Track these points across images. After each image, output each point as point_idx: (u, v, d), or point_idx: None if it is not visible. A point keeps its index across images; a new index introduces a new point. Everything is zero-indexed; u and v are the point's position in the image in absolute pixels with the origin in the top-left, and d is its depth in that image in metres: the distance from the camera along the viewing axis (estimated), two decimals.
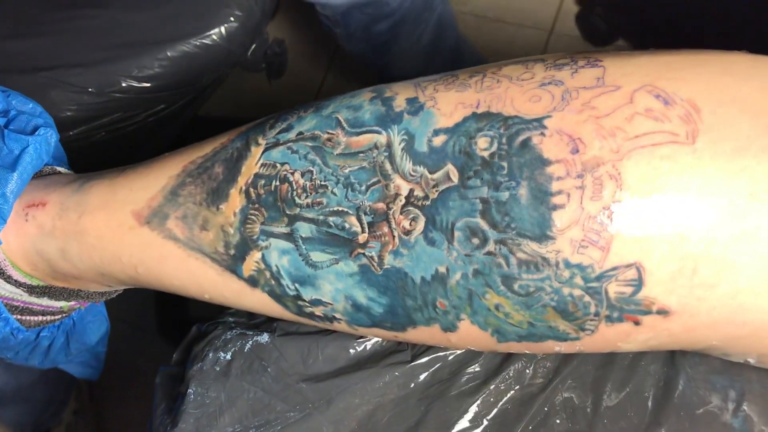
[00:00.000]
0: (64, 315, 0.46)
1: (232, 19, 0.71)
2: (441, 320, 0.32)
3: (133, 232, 0.37)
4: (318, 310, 0.35)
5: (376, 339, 0.38)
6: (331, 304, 0.34)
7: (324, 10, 0.74)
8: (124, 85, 0.70)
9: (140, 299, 1.02)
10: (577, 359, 0.36)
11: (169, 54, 0.71)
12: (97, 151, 0.73)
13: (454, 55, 0.84)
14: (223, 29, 0.72)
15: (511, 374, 0.36)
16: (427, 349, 0.37)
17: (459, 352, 0.37)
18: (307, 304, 0.35)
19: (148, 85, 0.71)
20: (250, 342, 0.38)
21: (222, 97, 0.87)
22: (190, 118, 0.81)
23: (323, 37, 0.91)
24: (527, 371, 0.36)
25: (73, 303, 0.44)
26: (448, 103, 0.32)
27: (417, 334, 0.33)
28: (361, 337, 0.38)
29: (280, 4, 0.79)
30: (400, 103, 0.33)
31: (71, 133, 0.72)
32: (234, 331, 0.39)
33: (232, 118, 0.95)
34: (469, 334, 0.32)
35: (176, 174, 0.37)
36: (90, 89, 0.70)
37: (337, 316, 0.34)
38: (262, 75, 0.79)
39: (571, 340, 0.31)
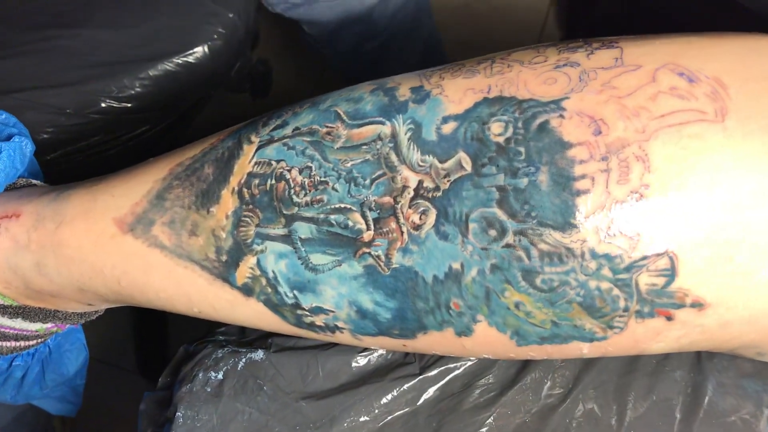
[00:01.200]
0: (39, 340, 0.43)
1: (215, 36, 0.69)
2: (455, 323, 0.29)
3: (116, 241, 0.34)
4: (319, 320, 0.32)
5: (381, 351, 0.35)
6: (333, 311, 0.31)
7: (311, 30, 0.73)
8: (103, 105, 0.68)
9: (117, 336, 0.97)
10: (597, 367, 0.34)
11: (150, 73, 0.68)
12: (76, 175, 0.70)
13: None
14: (206, 48, 0.70)
15: (527, 384, 0.33)
16: (437, 360, 0.34)
17: (471, 362, 0.34)
18: (307, 313, 0.32)
19: (129, 105, 0.69)
20: (244, 359, 0.35)
21: (205, 120, 0.84)
22: (173, 142, 0.78)
23: (309, 56, 0.89)
24: (545, 381, 0.34)
25: (49, 325, 0.41)
26: (457, 89, 0.30)
27: (428, 341, 0.31)
28: (365, 349, 0.35)
29: (265, 24, 0.77)
30: (404, 93, 0.31)
31: (48, 157, 0.69)
32: (225, 348, 0.36)
33: None
34: (485, 338, 0.29)
35: (162, 177, 0.34)
36: (67, 110, 0.67)
37: (340, 325, 0.32)
38: (247, 96, 0.77)
39: (598, 340, 0.28)
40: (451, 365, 0.34)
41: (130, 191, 0.35)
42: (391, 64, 0.78)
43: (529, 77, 0.29)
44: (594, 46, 0.29)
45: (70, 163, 0.71)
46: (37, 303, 0.39)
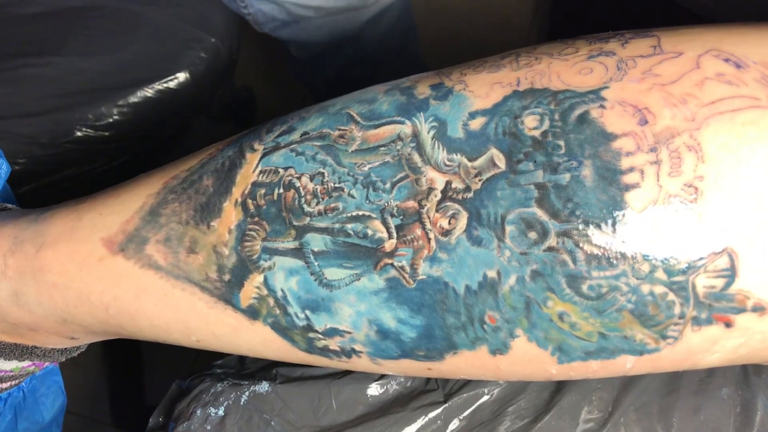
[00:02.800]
0: (13, 383, 0.39)
1: (197, 62, 0.67)
2: (490, 340, 0.26)
3: (105, 263, 0.31)
4: (333, 343, 0.29)
5: (400, 378, 0.32)
6: (350, 332, 0.28)
7: (299, 53, 0.71)
8: (79, 134, 0.64)
9: (92, 387, 0.91)
10: (637, 387, 0.31)
11: (129, 100, 0.65)
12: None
13: None
14: (187, 73, 0.67)
15: (563, 409, 0.30)
16: (463, 385, 0.31)
17: (500, 387, 0.31)
18: (320, 336, 0.29)
19: (107, 134, 0.65)
20: (247, 393, 0.32)
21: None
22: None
23: (293, 83, 0.87)
24: (582, 404, 0.31)
25: (26, 364, 0.37)
26: (482, 84, 0.27)
27: (457, 363, 0.28)
28: (382, 376, 0.32)
29: (247, 50, 0.75)
30: (423, 91, 0.28)
31: (21, 190, 0.65)
32: (225, 382, 0.33)
33: None
34: (524, 356, 0.26)
35: (156, 192, 0.31)
36: (42, 140, 0.64)
37: (357, 348, 0.29)
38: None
39: (649, 352, 0.25)
40: (479, 390, 0.31)
41: (120, 208, 0.31)
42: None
43: (562, 68, 0.27)
44: (627, 36, 0.27)
45: (44, 196, 0.68)
46: (12, 338, 0.35)
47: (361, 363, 0.29)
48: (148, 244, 0.30)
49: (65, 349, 0.38)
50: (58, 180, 0.67)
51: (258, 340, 0.30)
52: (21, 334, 0.35)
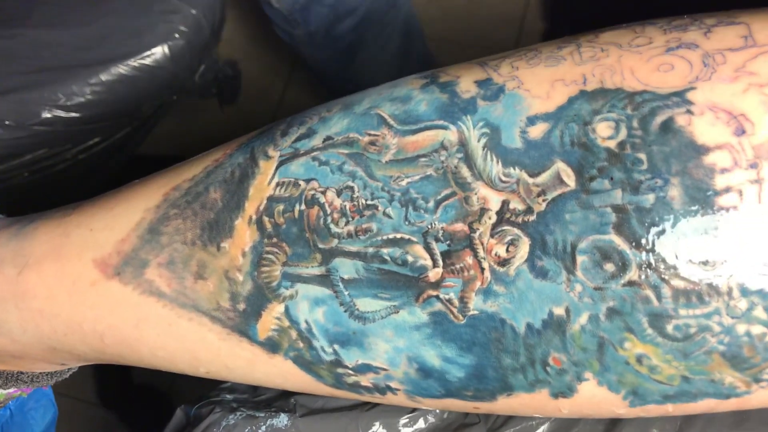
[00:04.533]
0: None
1: (176, 36, 0.62)
2: (553, 383, 0.23)
3: (98, 288, 0.27)
4: (365, 379, 0.25)
5: (435, 410, 0.28)
6: (386, 369, 0.25)
7: (281, 4, 0.66)
8: (48, 115, 0.59)
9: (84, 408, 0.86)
10: (701, 418, 0.28)
11: (102, 78, 0.60)
12: (21, 195, 0.61)
13: (424, 69, 0.77)
14: (166, 48, 0.62)
15: None
16: (507, 419, 0.28)
17: (551, 419, 0.28)
18: (350, 372, 0.25)
19: (78, 115, 0.60)
20: (263, 427, 0.28)
21: (167, 130, 0.76)
22: (130, 155, 0.70)
23: (279, 54, 0.82)
24: None
25: (11, 390, 0.33)
26: (540, 81, 0.23)
27: (511, 404, 0.24)
28: (415, 409, 0.28)
29: (230, 22, 0.69)
30: (467, 88, 0.24)
31: None
32: (237, 414, 0.29)
33: (180, 156, 0.83)
34: (590, 399, 0.23)
35: (155, 205, 0.27)
36: (6, 122, 0.58)
37: (394, 385, 0.25)
38: (213, 101, 0.69)
39: (737, 396, 0.22)
40: (526, 424, 0.27)
41: (114, 223, 0.27)
42: (368, 49, 0.73)
43: (636, 63, 0.23)
44: (708, 22, 0.23)
45: (12, 180, 0.62)
46: None
47: (396, 399, 0.26)
48: (148, 267, 0.26)
49: (54, 372, 0.33)
50: (27, 163, 0.62)
51: (277, 374, 0.26)
52: (4, 361, 0.31)
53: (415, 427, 0.28)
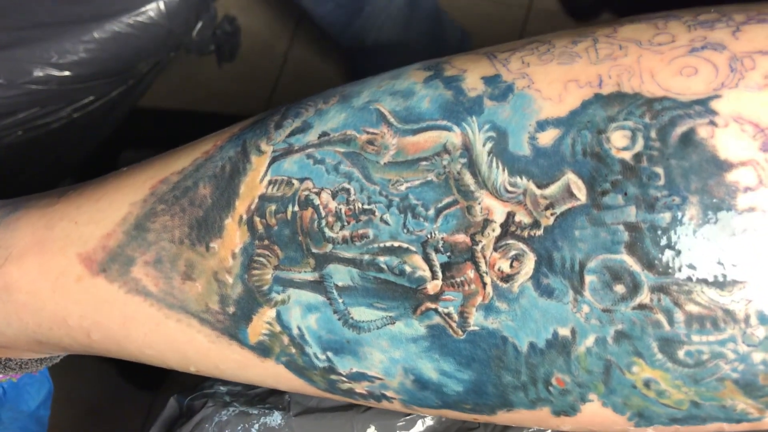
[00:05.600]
0: None
1: None
2: (555, 402, 0.22)
3: (83, 284, 0.26)
4: (360, 387, 0.24)
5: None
6: (381, 378, 0.24)
7: None
8: (40, 74, 0.57)
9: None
10: None
11: (95, 35, 0.58)
12: (15, 154, 0.60)
13: (433, 25, 0.75)
14: (161, 4, 0.59)
15: None
16: (507, 426, 0.27)
17: None
18: (344, 379, 0.24)
19: (71, 73, 0.58)
20: (256, 425, 0.28)
21: (163, 88, 0.74)
22: (128, 111, 0.68)
23: (282, 12, 0.79)
24: None
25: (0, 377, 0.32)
26: (552, 80, 0.22)
27: (511, 418, 0.23)
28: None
29: None
30: (473, 84, 0.23)
31: None
32: (230, 409, 0.28)
33: (179, 111, 0.81)
34: (593, 419, 0.22)
35: (142, 199, 0.25)
36: None
37: (389, 394, 0.24)
38: (212, 58, 0.67)
39: (749, 421, 0.21)
40: (527, 430, 0.27)
41: (100, 216, 0.26)
42: (374, 2, 0.70)
43: (656, 64, 0.21)
44: (738, 19, 0.21)
45: (6, 139, 0.61)
46: None
47: (392, 406, 0.25)
48: (134, 265, 0.25)
49: (44, 358, 0.33)
50: (20, 121, 0.60)
51: (269, 377, 0.26)
52: None
53: (412, 430, 0.27)
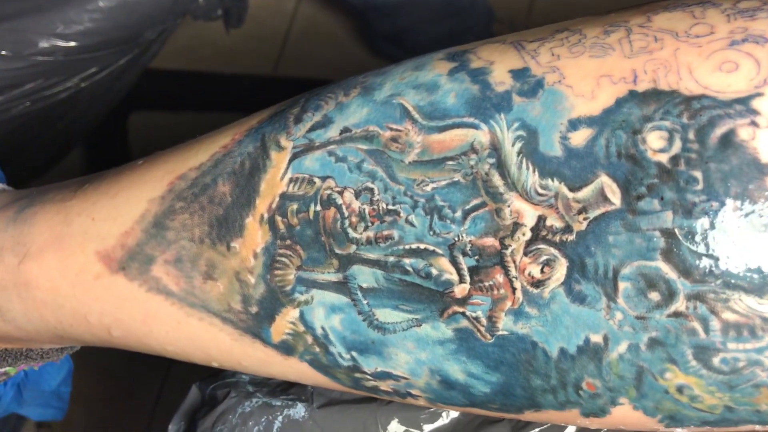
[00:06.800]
0: (4, 377, 0.34)
1: None
2: (585, 405, 0.22)
3: (102, 282, 0.25)
4: (385, 385, 0.24)
5: None
6: (406, 378, 0.23)
7: None
8: (46, 45, 0.56)
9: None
10: None
11: (101, 4, 0.56)
12: (24, 125, 0.59)
13: None
14: None
15: None
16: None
17: None
18: (369, 378, 0.24)
19: (76, 44, 0.57)
20: (280, 417, 0.28)
21: (170, 54, 0.72)
22: (135, 78, 0.67)
23: None
24: None
25: (21, 365, 0.32)
26: (584, 75, 0.21)
27: (539, 417, 0.23)
28: None
29: None
30: (501, 78, 0.22)
31: None
32: (254, 400, 0.28)
33: (187, 72, 0.80)
34: (623, 420, 0.22)
35: (160, 196, 0.25)
36: (3, 52, 0.55)
37: (415, 392, 0.24)
38: (219, 23, 0.65)
39: None
40: (553, 424, 0.27)
41: (117, 213, 0.25)
42: None
43: (694, 59, 0.20)
44: None
45: (13, 110, 0.60)
46: (2, 344, 0.30)
47: (417, 402, 0.25)
48: (154, 264, 0.25)
49: (65, 347, 0.33)
50: (27, 92, 0.59)
51: (293, 373, 0.25)
52: (11, 342, 0.30)
53: (437, 423, 0.27)
